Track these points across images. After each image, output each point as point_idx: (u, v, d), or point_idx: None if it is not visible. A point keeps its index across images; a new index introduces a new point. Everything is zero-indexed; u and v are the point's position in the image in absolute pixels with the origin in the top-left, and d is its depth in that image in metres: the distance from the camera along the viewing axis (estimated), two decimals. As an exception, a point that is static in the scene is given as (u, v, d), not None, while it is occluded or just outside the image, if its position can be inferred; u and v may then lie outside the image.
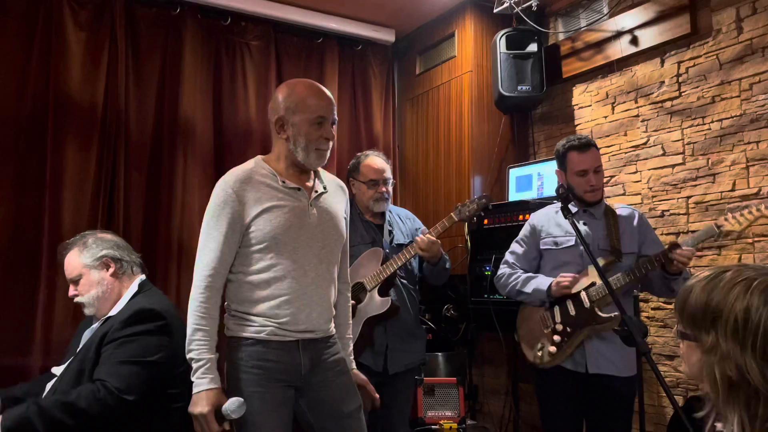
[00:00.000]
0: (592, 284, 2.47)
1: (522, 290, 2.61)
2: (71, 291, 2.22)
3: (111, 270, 2.21)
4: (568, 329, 2.49)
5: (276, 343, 1.90)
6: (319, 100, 1.97)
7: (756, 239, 2.77)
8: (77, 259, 2.22)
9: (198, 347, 1.84)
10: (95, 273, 2.20)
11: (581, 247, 2.51)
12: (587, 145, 2.54)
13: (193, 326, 1.86)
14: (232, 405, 1.77)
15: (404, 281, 2.86)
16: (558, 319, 2.52)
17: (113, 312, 2.12)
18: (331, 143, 2.02)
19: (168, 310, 2.12)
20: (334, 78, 4.08)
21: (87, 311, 2.19)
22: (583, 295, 2.46)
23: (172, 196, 3.46)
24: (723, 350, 0.97)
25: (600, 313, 2.43)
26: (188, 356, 1.85)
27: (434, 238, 2.68)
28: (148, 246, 3.32)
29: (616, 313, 2.37)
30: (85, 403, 1.87)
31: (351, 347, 2.21)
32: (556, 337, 2.50)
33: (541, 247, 2.64)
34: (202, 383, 1.81)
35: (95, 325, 2.17)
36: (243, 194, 1.90)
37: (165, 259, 3.40)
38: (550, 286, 2.50)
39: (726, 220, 2.27)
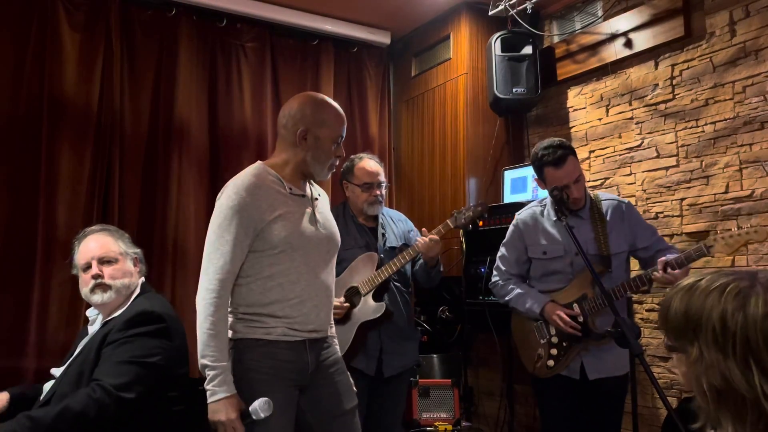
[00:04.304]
0: (584, 296, 2.45)
1: (515, 307, 2.61)
2: (98, 270, 2.11)
3: (137, 268, 2.23)
4: (564, 343, 2.48)
5: (285, 343, 1.92)
6: (341, 120, 2.05)
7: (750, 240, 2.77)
8: (115, 243, 2.20)
9: (213, 354, 1.82)
10: (129, 264, 2.20)
11: (570, 258, 2.50)
12: (563, 158, 2.41)
13: (207, 332, 1.84)
14: (262, 405, 1.76)
15: (397, 284, 2.86)
16: (553, 331, 2.51)
17: (117, 313, 2.10)
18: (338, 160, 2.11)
19: (168, 313, 2.12)
20: (329, 80, 4.08)
21: (104, 298, 2.10)
22: (576, 308, 2.45)
23: (167, 197, 3.46)
24: (707, 360, 0.96)
25: (596, 329, 2.42)
26: (202, 362, 1.83)
27: (436, 237, 2.69)
28: (142, 247, 3.27)
29: (610, 329, 2.37)
30: (80, 406, 1.83)
31: (336, 343, 2.21)
32: (553, 351, 2.50)
33: (530, 254, 2.61)
34: (221, 391, 1.80)
35: (96, 327, 2.15)
36: (256, 199, 1.91)
37: (160, 261, 3.40)
38: (543, 309, 2.48)
39: (716, 240, 2.24)
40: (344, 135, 2.06)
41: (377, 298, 2.76)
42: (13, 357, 3.00)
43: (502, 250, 2.71)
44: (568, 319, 2.41)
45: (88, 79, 3.32)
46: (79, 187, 3.24)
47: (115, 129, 3.36)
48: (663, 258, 2.30)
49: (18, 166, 3.13)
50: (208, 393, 1.82)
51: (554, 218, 2.55)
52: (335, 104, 2.07)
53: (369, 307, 2.73)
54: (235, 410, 1.79)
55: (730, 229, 2.27)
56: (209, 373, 1.82)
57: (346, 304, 2.71)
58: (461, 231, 3.58)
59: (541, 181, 2.54)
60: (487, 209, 2.78)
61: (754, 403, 0.92)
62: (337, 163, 2.09)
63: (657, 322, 3.13)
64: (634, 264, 2.69)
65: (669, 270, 2.26)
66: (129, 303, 2.14)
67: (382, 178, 2.90)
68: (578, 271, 2.49)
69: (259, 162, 2.05)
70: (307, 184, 2.10)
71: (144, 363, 1.95)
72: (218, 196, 1.97)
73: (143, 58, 3.51)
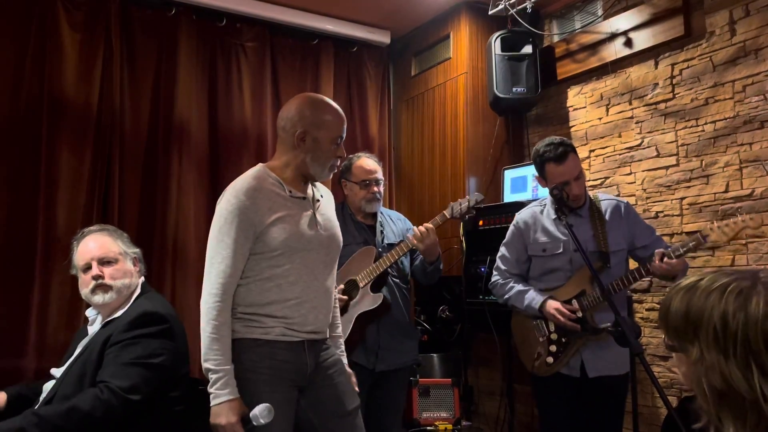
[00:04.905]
0: (582, 292, 2.45)
1: (515, 305, 2.61)
2: (98, 271, 2.10)
3: (137, 268, 2.23)
4: (563, 339, 2.48)
5: (284, 343, 1.93)
6: (341, 120, 2.04)
7: (749, 240, 2.78)
8: (114, 243, 2.19)
9: (216, 357, 1.83)
10: (129, 263, 2.19)
11: (569, 255, 2.50)
12: (564, 155, 2.44)
13: (210, 336, 1.85)
14: (262, 411, 1.76)
15: (396, 280, 2.88)
16: (552, 327, 2.52)
17: (118, 314, 2.10)
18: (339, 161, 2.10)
19: (170, 313, 2.13)
20: (329, 79, 4.08)
21: (105, 299, 2.10)
22: (575, 303, 2.45)
23: (167, 197, 3.46)
24: (707, 360, 0.95)
25: (595, 324, 2.42)
26: (205, 366, 1.84)
27: (431, 226, 2.69)
28: (142, 247, 3.29)
29: (610, 323, 2.37)
30: (88, 405, 1.84)
31: (342, 345, 2.24)
32: (552, 347, 2.50)
33: (529, 252, 2.62)
34: (223, 394, 1.81)
35: (96, 328, 2.14)
36: (255, 202, 1.91)
37: (160, 261, 3.39)
38: (542, 305, 2.48)
39: (712, 230, 2.26)
40: (344, 135, 2.06)
41: (375, 289, 2.77)
42: (13, 357, 3.00)
43: (502, 250, 2.72)
44: (566, 311, 2.42)
45: (88, 78, 3.31)
46: (79, 187, 3.24)
47: (114, 129, 3.36)
48: (660, 249, 2.32)
49: (18, 166, 3.12)
50: (211, 396, 1.82)
51: (554, 216, 2.56)
52: (334, 104, 2.06)
53: (367, 299, 2.75)
54: (236, 414, 1.80)
55: (727, 218, 2.28)
56: (212, 377, 1.82)
57: (344, 297, 2.72)
58: (461, 231, 3.58)
59: (542, 178, 2.55)
60: (483, 199, 2.78)
61: (753, 405, 0.91)
62: (338, 163, 2.09)
63: (657, 321, 3.13)
64: (633, 265, 2.68)
65: (666, 260, 2.27)
66: (130, 303, 2.14)
67: (380, 175, 2.92)
68: (577, 269, 2.49)
69: (259, 165, 2.05)
70: (310, 185, 2.10)
71: (149, 364, 1.96)
72: (218, 200, 1.98)
73: (143, 57, 3.51)
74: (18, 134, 3.13)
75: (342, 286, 2.77)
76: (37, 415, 1.82)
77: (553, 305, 2.46)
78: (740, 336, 0.92)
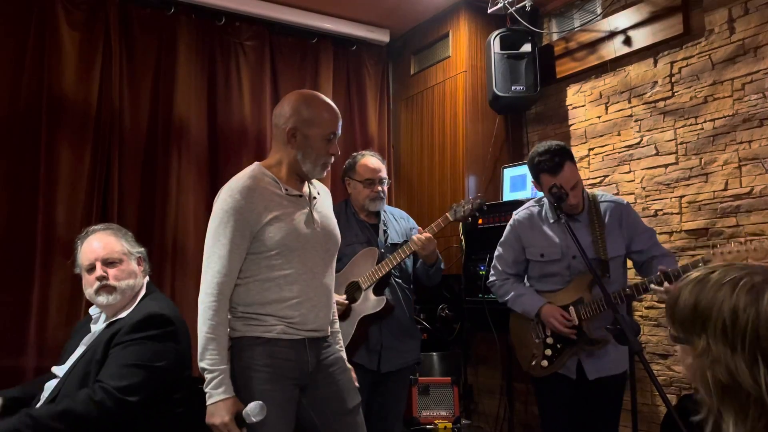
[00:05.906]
0: (580, 300, 2.44)
1: (512, 308, 2.61)
2: (103, 272, 2.08)
3: (141, 268, 2.21)
4: (558, 345, 2.48)
5: (285, 341, 1.92)
6: (333, 117, 2.02)
7: (748, 239, 2.78)
8: (118, 243, 2.17)
9: (211, 357, 1.84)
10: (133, 263, 2.17)
11: (567, 261, 2.49)
12: (560, 166, 2.39)
13: (207, 336, 1.85)
14: (254, 409, 1.76)
15: (399, 280, 2.87)
16: (548, 332, 2.51)
17: (123, 314, 2.09)
18: (333, 158, 2.07)
19: (176, 315, 2.11)
20: (328, 78, 4.08)
21: (109, 300, 2.08)
22: (572, 311, 2.44)
23: (166, 195, 3.46)
24: (714, 353, 0.95)
25: (590, 335, 2.41)
26: (201, 365, 1.85)
27: (431, 236, 2.70)
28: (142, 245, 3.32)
29: (605, 335, 2.35)
30: (82, 407, 1.83)
31: (341, 339, 2.24)
32: (548, 351, 2.50)
33: (527, 256, 2.60)
34: (218, 394, 1.81)
35: (101, 326, 2.12)
36: (251, 201, 1.91)
37: (159, 260, 3.39)
38: (539, 310, 2.48)
39: (714, 255, 2.21)
40: (338, 132, 2.03)
41: (378, 292, 2.76)
42: (13, 356, 3.00)
43: (499, 250, 2.70)
44: (564, 321, 2.41)
45: (88, 77, 3.31)
46: (79, 186, 3.24)
47: (114, 127, 3.36)
48: (663, 267, 2.26)
49: (17, 164, 3.12)
50: (206, 396, 1.83)
51: (552, 220, 2.54)
52: (327, 101, 2.05)
53: (370, 302, 2.74)
54: (229, 413, 1.80)
55: (730, 244, 2.23)
56: (207, 376, 1.83)
57: (346, 301, 2.72)
58: (461, 229, 3.59)
59: (538, 183, 2.54)
60: (486, 202, 2.78)
61: (758, 400, 0.91)
62: (332, 161, 2.07)
63: (657, 319, 3.13)
64: (629, 264, 2.68)
65: (666, 285, 2.22)
66: (135, 304, 2.12)
67: (384, 174, 2.91)
68: (575, 274, 2.48)
69: (256, 163, 2.05)
70: (306, 182, 2.09)
71: (150, 367, 1.95)
72: (215, 200, 1.98)
73: (142, 56, 3.51)
74: (17, 133, 3.13)
75: (344, 295, 2.76)
76: (31, 417, 1.80)
77: (551, 312, 2.45)
78: (749, 331, 0.92)
